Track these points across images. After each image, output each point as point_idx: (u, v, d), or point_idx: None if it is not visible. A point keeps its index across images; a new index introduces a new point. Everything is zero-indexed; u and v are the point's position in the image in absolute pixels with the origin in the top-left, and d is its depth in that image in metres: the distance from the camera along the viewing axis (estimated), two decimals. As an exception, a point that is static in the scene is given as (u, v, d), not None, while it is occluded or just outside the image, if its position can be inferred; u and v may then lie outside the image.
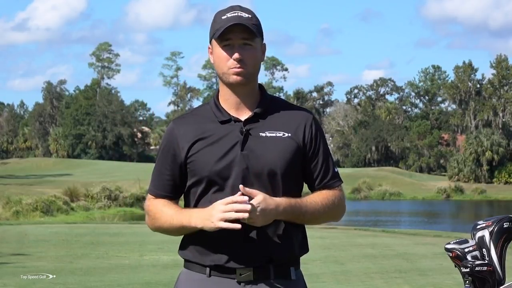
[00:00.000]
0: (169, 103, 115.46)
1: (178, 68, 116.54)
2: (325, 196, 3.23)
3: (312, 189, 3.27)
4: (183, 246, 3.24)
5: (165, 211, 3.19)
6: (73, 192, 41.24)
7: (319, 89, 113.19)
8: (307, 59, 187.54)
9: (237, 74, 3.14)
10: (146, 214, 3.28)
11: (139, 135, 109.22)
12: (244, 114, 3.20)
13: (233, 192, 3.09)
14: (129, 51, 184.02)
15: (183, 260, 3.26)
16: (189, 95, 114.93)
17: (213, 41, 3.19)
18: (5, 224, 22.99)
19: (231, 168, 3.12)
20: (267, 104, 3.23)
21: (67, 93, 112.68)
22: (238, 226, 3.01)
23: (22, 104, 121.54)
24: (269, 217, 3.06)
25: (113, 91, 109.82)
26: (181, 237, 3.27)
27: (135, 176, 51.27)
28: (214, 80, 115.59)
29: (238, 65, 3.14)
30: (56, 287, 10.56)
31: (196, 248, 3.18)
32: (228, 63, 3.15)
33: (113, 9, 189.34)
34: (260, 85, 3.29)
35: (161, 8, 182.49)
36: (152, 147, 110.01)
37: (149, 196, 3.29)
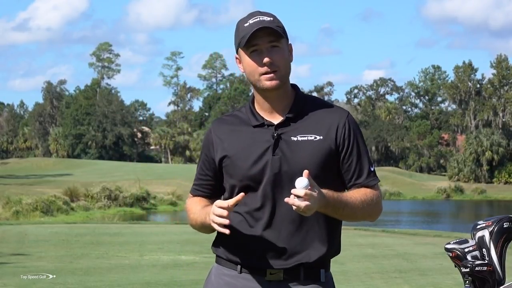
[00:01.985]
0: (169, 103, 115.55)
1: (178, 68, 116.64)
2: (364, 192, 3.21)
3: (348, 189, 3.27)
4: (216, 243, 3.30)
5: (195, 209, 3.28)
6: (73, 192, 41.24)
7: (319, 89, 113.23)
8: (307, 59, 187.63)
9: (271, 79, 3.14)
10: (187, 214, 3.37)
11: (139, 135, 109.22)
12: (277, 118, 3.21)
13: (265, 196, 3.14)
14: (129, 51, 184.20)
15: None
16: (189, 95, 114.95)
17: (240, 50, 3.19)
18: (5, 224, 22.98)
19: (263, 172, 3.15)
20: (300, 106, 3.23)
21: (67, 93, 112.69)
22: (226, 231, 3.05)
23: (22, 104, 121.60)
24: (316, 204, 3.00)
25: (113, 91, 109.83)
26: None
27: (135, 176, 51.30)
28: (214, 80, 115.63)
29: (270, 70, 3.13)
30: (56, 287, 10.55)
31: (228, 247, 3.23)
32: (259, 70, 3.14)
33: (114, 9, 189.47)
34: (294, 85, 3.29)
35: (162, 8, 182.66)
36: (152, 147, 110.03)
37: (189, 195, 3.38)
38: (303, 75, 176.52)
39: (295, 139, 3.17)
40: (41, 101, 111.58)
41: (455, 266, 4.18)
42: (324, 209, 3.08)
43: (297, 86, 3.30)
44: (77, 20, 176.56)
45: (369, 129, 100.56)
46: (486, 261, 4.08)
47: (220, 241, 3.27)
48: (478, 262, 4.06)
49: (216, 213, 3.05)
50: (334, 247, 3.23)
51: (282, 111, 3.21)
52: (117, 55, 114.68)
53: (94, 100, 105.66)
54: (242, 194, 3.08)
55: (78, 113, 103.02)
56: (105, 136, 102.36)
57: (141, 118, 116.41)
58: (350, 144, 3.22)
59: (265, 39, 3.13)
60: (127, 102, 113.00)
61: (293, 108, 3.21)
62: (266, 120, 3.20)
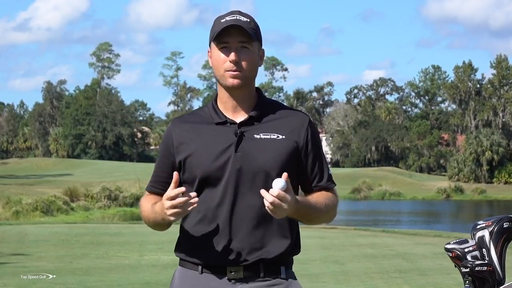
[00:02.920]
0: (169, 103, 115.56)
1: (178, 68, 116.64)
2: (327, 196, 3.27)
3: (307, 190, 3.31)
4: (178, 245, 3.32)
5: (147, 208, 3.28)
6: (73, 192, 41.24)
7: (319, 89, 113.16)
8: (308, 59, 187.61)
9: (234, 77, 3.19)
10: (139, 211, 3.38)
11: (139, 135, 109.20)
12: (240, 117, 3.25)
13: (225, 192, 3.17)
14: (130, 51, 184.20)
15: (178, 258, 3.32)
16: (189, 95, 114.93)
17: (212, 44, 3.24)
18: (5, 224, 22.98)
19: (224, 169, 3.17)
20: (263, 107, 3.28)
21: (67, 93, 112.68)
22: (193, 206, 3.05)
23: (22, 104, 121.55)
24: (288, 208, 3.06)
25: (113, 91, 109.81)
26: (178, 236, 3.35)
27: (135, 176, 51.26)
28: (214, 80, 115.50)
29: (235, 68, 3.18)
30: (56, 287, 10.55)
31: (189, 247, 3.25)
32: (224, 65, 3.20)
33: (115, 9, 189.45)
34: (258, 89, 3.34)
35: (162, 8, 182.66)
36: (152, 147, 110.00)
37: (145, 192, 3.39)
38: (303, 75, 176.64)
39: (258, 137, 3.21)
40: (41, 101, 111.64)
41: (455, 266, 4.19)
42: (294, 214, 3.13)
43: (261, 90, 3.35)
44: (78, 20, 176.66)
45: (369, 129, 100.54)
46: (486, 261, 4.08)
47: (181, 242, 3.29)
48: (478, 262, 4.06)
49: (168, 205, 3.06)
50: (293, 244, 3.25)
51: (245, 110, 3.26)
52: (117, 55, 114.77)
53: (94, 100, 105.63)
54: (175, 174, 3.10)
55: (78, 113, 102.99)
56: (105, 136, 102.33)
57: (141, 118, 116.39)
58: (313, 147, 3.27)
59: (236, 38, 3.19)
60: (127, 102, 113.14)
61: (256, 108, 3.26)
62: (229, 118, 3.24)
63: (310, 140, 3.26)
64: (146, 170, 67.66)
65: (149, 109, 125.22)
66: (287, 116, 3.28)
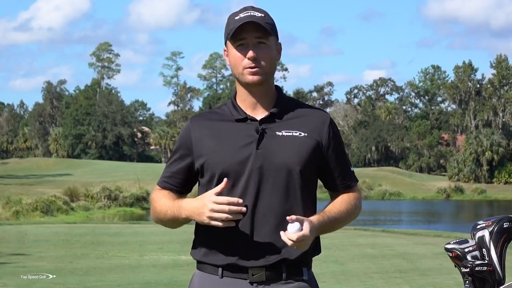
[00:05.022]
0: (169, 103, 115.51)
1: (178, 68, 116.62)
2: (348, 201, 3.24)
3: (331, 189, 3.28)
4: (195, 247, 3.24)
5: (163, 202, 3.20)
6: (73, 192, 41.27)
7: (319, 89, 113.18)
8: (309, 59, 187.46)
9: (253, 74, 3.14)
10: (151, 205, 3.30)
11: (139, 135, 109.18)
12: (260, 114, 3.20)
13: (246, 191, 3.10)
14: (131, 51, 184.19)
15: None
16: (189, 95, 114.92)
17: (228, 43, 3.19)
18: (5, 224, 22.98)
19: (245, 166, 3.11)
20: (283, 104, 3.23)
21: (67, 93, 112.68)
22: (232, 224, 3.03)
23: (22, 104, 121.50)
24: (310, 239, 3.06)
25: (113, 91, 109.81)
26: (193, 238, 3.27)
27: (135, 176, 51.29)
28: (214, 80, 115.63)
29: (253, 65, 3.13)
30: (56, 287, 10.56)
31: (208, 248, 3.18)
32: (243, 63, 3.15)
33: (116, 9, 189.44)
34: (277, 86, 3.29)
35: (163, 8, 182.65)
36: (152, 147, 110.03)
37: (156, 187, 3.29)
38: (304, 75, 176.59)
39: (279, 133, 3.16)
40: (41, 101, 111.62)
41: (455, 266, 4.19)
42: (318, 234, 3.13)
43: (280, 88, 3.31)
44: (79, 20, 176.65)
45: (369, 129, 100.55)
46: (486, 261, 4.08)
47: (199, 244, 3.21)
48: (478, 262, 4.06)
49: (216, 208, 3.00)
50: (315, 244, 3.20)
51: (265, 107, 3.21)
52: (117, 55, 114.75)
53: (94, 100, 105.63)
54: (225, 180, 3.05)
55: (78, 113, 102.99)
56: (105, 136, 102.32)
57: (141, 118, 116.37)
58: (335, 145, 3.24)
59: (252, 34, 3.13)
60: (127, 102, 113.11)
61: (277, 105, 3.22)
62: (249, 115, 3.19)
63: (333, 138, 3.22)
64: (146, 170, 67.75)
65: (149, 109, 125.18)
66: (308, 114, 3.23)
